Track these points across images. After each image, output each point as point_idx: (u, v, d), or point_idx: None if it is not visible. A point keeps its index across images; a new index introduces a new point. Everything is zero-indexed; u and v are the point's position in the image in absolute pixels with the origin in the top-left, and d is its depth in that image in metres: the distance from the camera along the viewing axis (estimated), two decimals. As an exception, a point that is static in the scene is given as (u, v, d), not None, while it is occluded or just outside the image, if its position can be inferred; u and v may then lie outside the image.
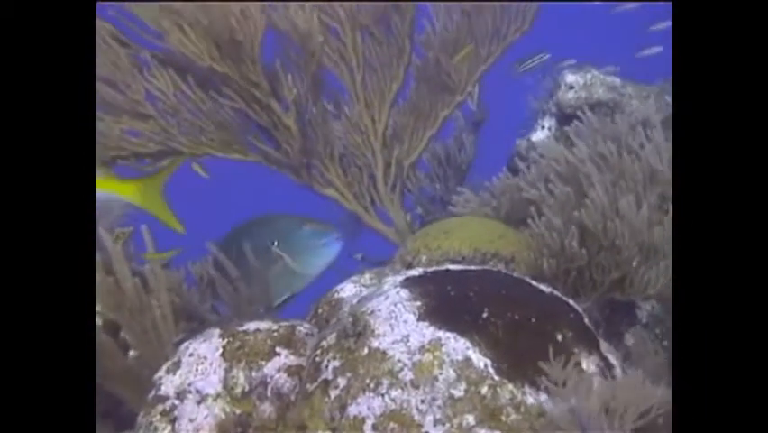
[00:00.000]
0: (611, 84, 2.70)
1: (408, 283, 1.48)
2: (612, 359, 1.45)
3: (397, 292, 1.45)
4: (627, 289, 1.78)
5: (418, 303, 1.41)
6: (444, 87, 2.24)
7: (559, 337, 1.39)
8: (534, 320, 1.39)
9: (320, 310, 1.68)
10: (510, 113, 2.64)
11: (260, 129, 2.17)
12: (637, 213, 1.72)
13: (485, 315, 1.38)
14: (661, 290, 1.76)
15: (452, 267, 1.58)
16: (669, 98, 2.80)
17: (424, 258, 1.83)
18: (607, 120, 2.06)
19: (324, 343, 1.42)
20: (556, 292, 1.54)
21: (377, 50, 2.20)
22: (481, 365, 1.31)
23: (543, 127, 2.69)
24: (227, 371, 1.50)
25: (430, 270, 1.56)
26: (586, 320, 1.49)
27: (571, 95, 2.63)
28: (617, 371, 1.43)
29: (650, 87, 2.81)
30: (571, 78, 2.68)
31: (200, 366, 1.51)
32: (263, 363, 1.50)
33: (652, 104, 2.71)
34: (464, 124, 2.60)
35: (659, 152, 1.85)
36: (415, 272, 1.54)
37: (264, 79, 2.09)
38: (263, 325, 1.57)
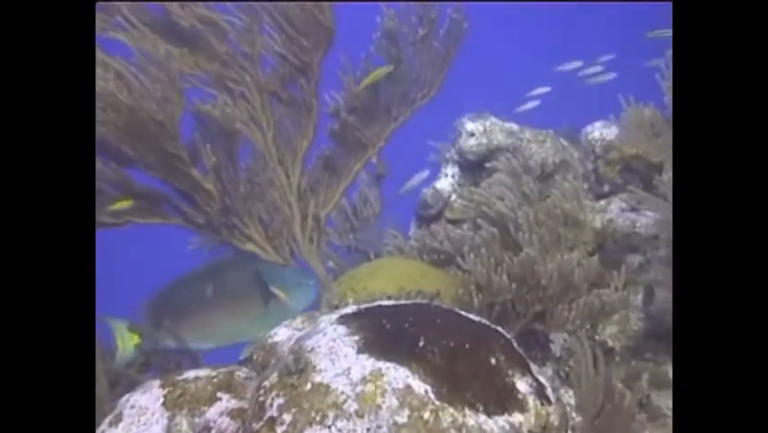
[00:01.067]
0: (509, 129, 2.81)
1: (344, 320, 1.53)
2: (543, 380, 1.52)
3: (335, 329, 1.49)
4: (548, 321, 1.87)
5: (356, 337, 1.46)
6: (357, 143, 2.31)
7: (493, 361, 1.46)
8: (468, 346, 1.46)
9: (255, 356, 1.72)
10: (413, 165, 2.73)
11: (180, 195, 2.20)
12: (566, 257, 1.83)
13: (422, 343, 1.44)
14: (577, 325, 1.86)
15: (383, 303, 1.64)
16: (564, 142, 2.93)
17: (350, 301, 1.88)
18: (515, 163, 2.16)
19: (266, 383, 1.45)
20: (485, 321, 1.61)
21: (286, 110, 2.28)
22: (422, 391, 1.36)
23: (446, 175, 2.79)
24: (170, 419, 1.51)
25: (363, 306, 1.62)
26: (515, 345, 1.56)
27: (472, 141, 2.74)
28: (549, 391, 1.50)
29: (546, 131, 2.93)
30: (471, 125, 2.79)
31: (142, 417, 1.52)
32: (205, 408, 1.52)
33: (549, 146, 2.84)
34: (367, 178, 2.67)
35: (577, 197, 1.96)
36: (348, 310, 1.60)
37: (184, 151, 2.13)
38: (202, 372, 1.59)
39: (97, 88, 1.97)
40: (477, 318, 1.61)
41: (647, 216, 2.66)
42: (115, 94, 1.97)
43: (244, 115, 2.26)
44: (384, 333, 1.47)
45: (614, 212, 2.69)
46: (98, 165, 2.13)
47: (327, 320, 1.55)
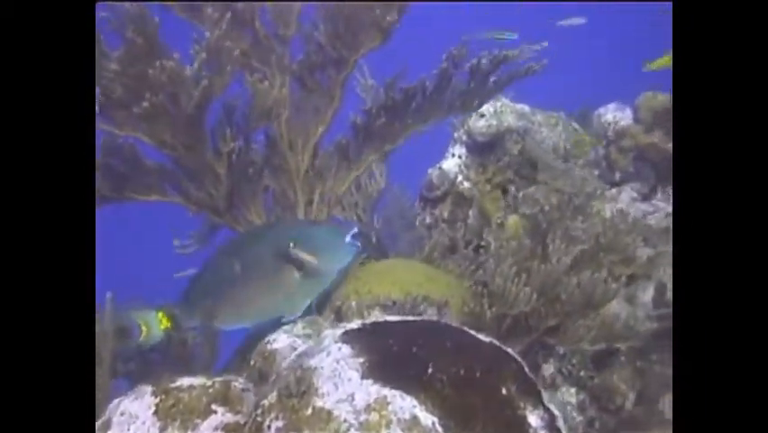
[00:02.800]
0: (521, 111, 2.73)
1: (349, 338, 1.46)
2: (554, 409, 1.46)
3: (339, 348, 1.42)
4: (561, 336, 1.81)
5: (361, 359, 1.39)
6: (377, 137, 2.23)
7: (504, 391, 1.39)
8: (479, 374, 1.39)
9: (253, 362, 1.65)
10: (423, 142, 2.63)
11: (184, 173, 2.11)
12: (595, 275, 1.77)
13: (430, 370, 1.37)
14: (593, 342, 1.80)
15: (390, 318, 1.57)
16: (575, 125, 2.85)
17: (353, 303, 1.82)
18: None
19: (265, 402, 1.38)
20: (495, 342, 1.54)
21: (307, 95, 2.18)
22: (429, 424, 1.29)
23: (453, 155, 2.70)
24: (161, 430, 1.45)
25: (369, 321, 1.54)
26: (526, 369, 1.50)
27: (481, 123, 2.65)
28: (560, 422, 1.44)
29: (557, 114, 2.85)
30: (481, 104, 2.69)
31: (132, 426, 1.46)
32: (199, 421, 1.46)
33: (561, 130, 2.76)
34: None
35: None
36: (354, 325, 1.52)
37: (205, 136, 2.06)
38: (197, 381, 1.52)
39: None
40: (488, 340, 1.54)
41: (659, 207, 2.60)
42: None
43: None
44: (391, 355, 1.40)
45: (624, 201, 2.62)
46: (105, 132, 2.04)
47: (331, 336, 1.48)
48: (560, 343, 1.85)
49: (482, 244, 2.15)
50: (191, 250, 2.36)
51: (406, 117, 2.24)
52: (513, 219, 2.38)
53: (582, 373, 2.20)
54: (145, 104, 1.90)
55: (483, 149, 2.64)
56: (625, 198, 2.63)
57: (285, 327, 1.72)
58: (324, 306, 1.88)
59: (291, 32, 2.16)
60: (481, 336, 1.54)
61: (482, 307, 1.75)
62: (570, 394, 2.22)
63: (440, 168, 2.67)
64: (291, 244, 1.94)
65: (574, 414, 2.22)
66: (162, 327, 1.99)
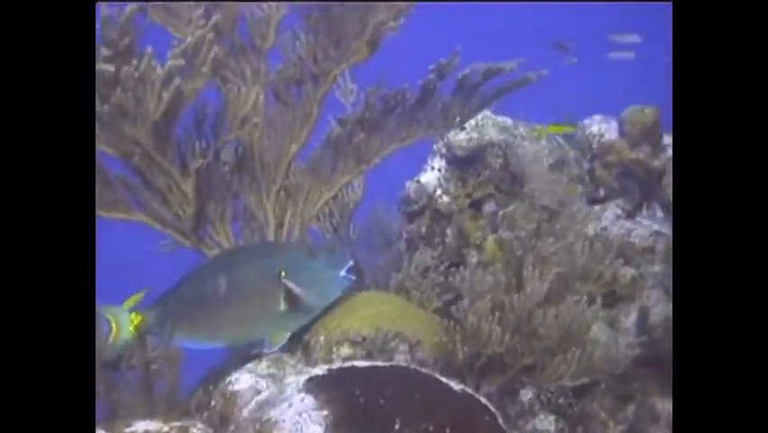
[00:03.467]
0: (503, 124, 2.63)
1: (313, 387, 1.38)
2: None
3: (302, 399, 1.34)
4: (538, 375, 1.73)
5: (325, 412, 1.31)
6: (352, 155, 2.13)
7: (475, 448, 1.32)
8: (449, 431, 1.31)
9: (213, 403, 1.56)
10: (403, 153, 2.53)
11: (150, 190, 2.01)
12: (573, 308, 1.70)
13: (397, 426, 1.29)
14: (574, 378, 1.73)
15: (358, 363, 1.49)
16: (560, 139, 2.77)
17: (321, 338, 1.73)
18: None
19: (223, 456, 1.31)
20: (468, 389, 1.46)
21: (281, 111, 2.08)
22: (395, 485, 1.22)
23: (432, 168, 2.60)
24: (114, 480, 1.38)
25: (335, 367, 1.46)
26: (500, 420, 1.42)
27: (462, 135, 2.55)
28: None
29: (541, 125, 2.76)
30: (462, 118, 2.60)
31: (84, 475, 1.38)
32: (154, 471, 1.39)
33: (544, 144, 2.68)
34: None
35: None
36: (319, 371, 1.44)
37: (172, 149, 1.96)
38: (153, 425, 1.44)
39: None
40: (459, 387, 1.46)
41: (643, 226, 2.53)
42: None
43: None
44: (357, 408, 1.32)
45: (609, 219, 2.54)
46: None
47: (295, 385, 1.40)
48: (537, 381, 1.77)
49: (459, 265, 2.06)
50: (171, 249, 2.24)
51: (385, 132, 2.14)
52: (491, 241, 2.29)
53: (561, 401, 2.13)
54: (105, 107, 1.80)
55: (462, 163, 2.54)
56: (609, 216, 2.55)
57: (248, 366, 1.63)
58: (298, 338, 1.79)
59: (269, 44, 2.06)
60: (453, 384, 1.46)
61: (455, 345, 1.67)
62: (548, 422, 2.15)
63: (418, 181, 2.57)
64: (282, 274, 1.84)
65: (553, 440, 2.15)
66: (133, 328, 1.88)
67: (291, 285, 1.83)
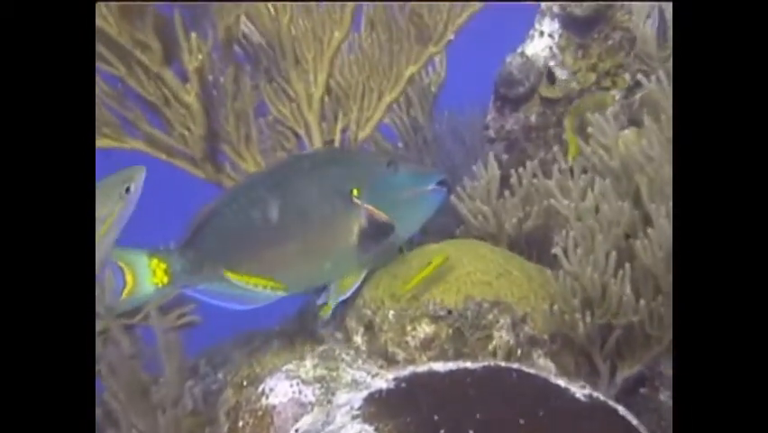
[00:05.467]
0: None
1: (373, 412, 0.96)
2: None
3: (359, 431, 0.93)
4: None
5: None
6: (416, 35, 1.67)
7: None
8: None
9: (241, 423, 1.16)
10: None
11: (144, 106, 1.63)
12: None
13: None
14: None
15: (436, 367, 1.05)
16: None
17: (390, 313, 1.31)
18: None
19: None
20: (597, 395, 1.02)
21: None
22: None
23: (541, 34, 2.07)
24: None
25: (403, 375, 1.03)
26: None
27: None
28: None
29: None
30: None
31: None
32: None
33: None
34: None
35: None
36: (381, 385, 1.01)
37: (157, 41, 1.55)
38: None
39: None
40: (584, 394, 1.01)
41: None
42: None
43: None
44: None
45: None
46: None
47: (347, 407, 0.98)
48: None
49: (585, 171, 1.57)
50: None
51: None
52: (626, 136, 1.74)
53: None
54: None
55: (583, 25, 2.00)
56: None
57: (288, 366, 1.21)
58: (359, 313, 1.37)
59: None
60: (575, 388, 1.01)
61: (573, 315, 1.22)
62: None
63: (522, 53, 2.04)
64: (355, 192, 1.46)
65: None
66: (155, 280, 1.48)
67: (368, 207, 1.45)
